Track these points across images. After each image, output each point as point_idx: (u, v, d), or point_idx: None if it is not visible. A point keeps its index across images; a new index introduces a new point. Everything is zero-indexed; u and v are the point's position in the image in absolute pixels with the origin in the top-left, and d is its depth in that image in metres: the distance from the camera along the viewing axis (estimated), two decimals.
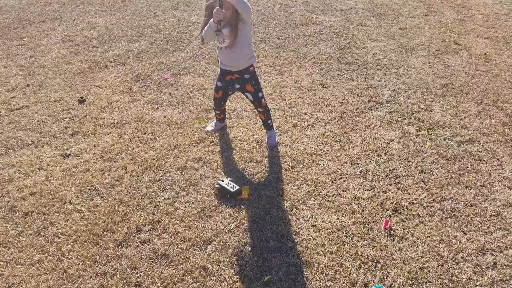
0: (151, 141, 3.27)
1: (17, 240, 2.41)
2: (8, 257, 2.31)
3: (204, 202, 2.69)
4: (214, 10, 2.53)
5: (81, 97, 3.81)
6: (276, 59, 4.60)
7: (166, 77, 4.21)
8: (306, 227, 2.51)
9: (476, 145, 3.23)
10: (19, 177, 2.89)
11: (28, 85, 4.04)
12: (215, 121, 3.38)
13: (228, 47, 2.73)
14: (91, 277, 2.19)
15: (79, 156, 3.10)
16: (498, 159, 3.08)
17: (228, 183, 2.72)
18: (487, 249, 2.39)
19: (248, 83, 2.94)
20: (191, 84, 4.10)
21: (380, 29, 5.42)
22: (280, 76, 4.23)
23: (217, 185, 2.75)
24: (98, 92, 3.93)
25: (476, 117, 3.57)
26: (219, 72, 3.01)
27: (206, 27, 2.70)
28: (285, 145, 3.22)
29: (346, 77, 4.23)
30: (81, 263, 2.27)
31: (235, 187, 2.69)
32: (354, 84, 4.09)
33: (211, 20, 2.61)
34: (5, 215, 2.58)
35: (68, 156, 3.09)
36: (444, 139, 3.29)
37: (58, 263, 2.27)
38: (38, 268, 2.25)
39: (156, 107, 3.72)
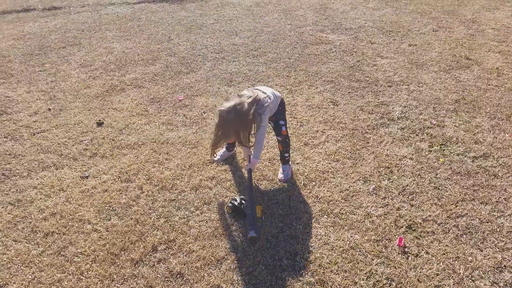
0: (166, 161, 3.34)
1: (38, 260, 2.49)
2: (30, 276, 2.38)
3: (218, 221, 2.73)
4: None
5: (99, 120, 3.94)
6: (287, 79, 4.68)
7: (180, 99, 4.32)
8: (320, 245, 2.53)
9: (491, 160, 3.21)
10: (41, 199, 2.98)
11: (49, 109, 4.19)
12: (223, 149, 3.37)
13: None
14: None
15: (97, 177, 3.19)
16: None
17: (241, 202, 2.76)
18: (505, 266, 2.36)
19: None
20: (204, 105, 4.19)
21: (390, 46, 5.48)
22: (291, 95, 4.30)
23: (230, 205, 2.79)
24: (116, 115, 4.05)
25: (490, 131, 3.56)
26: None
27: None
28: (297, 163, 3.26)
29: (357, 95, 4.27)
30: (99, 282, 2.33)
31: (246, 205, 2.73)
32: (365, 101, 4.13)
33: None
34: (27, 236, 2.67)
35: (87, 177, 3.19)
36: (458, 155, 3.29)
37: (77, 282, 2.33)
38: (58, 287, 2.31)
39: (171, 128, 3.81)
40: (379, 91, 4.33)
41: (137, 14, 7.44)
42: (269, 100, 2.79)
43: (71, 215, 2.82)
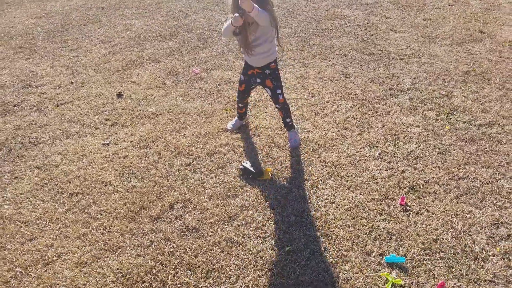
0: (183, 129, 3.52)
1: (64, 217, 2.72)
2: (56, 231, 2.61)
3: (231, 183, 2.91)
4: (234, 16, 2.62)
5: (119, 92, 4.13)
6: (301, 52, 4.77)
7: (196, 72, 4.48)
8: (325, 204, 2.68)
9: (496, 128, 3.28)
10: (65, 163, 3.21)
11: (72, 83, 4.41)
12: (235, 118, 3.53)
13: (247, 48, 2.84)
14: (129, 248, 2.46)
15: (117, 144, 3.39)
16: None
17: (251, 165, 2.93)
18: (501, 222, 2.48)
19: (268, 79, 3.02)
20: (219, 78, 4.34)
21: (404, 21, 5.48)
22: (304, 68, 4.41)
23: (241, 167, 2.96)
24: (135, 87, 4.24)
25: (497, 101, 3.62)
26: (243, 66, 3.19)
27: (225, 25, 2.78)
28: (307, 131, 3.39)
29: (369, 67, 4.35)
30: (120, 236, 2.54)
31: (258, 168, 2.90)
32: (376, 74, 4.20)
33: (230, 20, 2.70)
34: (53, 196, 2.90)
35: (108, 144, 3.40)
36: (464, 123, 3.37)
37: (100, 236, 2.55)
38: (83, 240, 2.54)
39: (187, 99, 3.98)
40: (391, 63, 4.39)
41: None
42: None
43: (93, 177, 3.04)
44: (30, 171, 3.14)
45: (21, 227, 2.64)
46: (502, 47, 4.57)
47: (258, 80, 3.10)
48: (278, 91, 3.06)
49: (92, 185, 2.96)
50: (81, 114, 3.85)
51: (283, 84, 3.10)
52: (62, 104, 4.03)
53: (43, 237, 2.56)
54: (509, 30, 4.97)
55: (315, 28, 5.48)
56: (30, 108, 3.98)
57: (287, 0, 6.63)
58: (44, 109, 3.96)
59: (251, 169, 2.90)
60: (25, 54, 5.23)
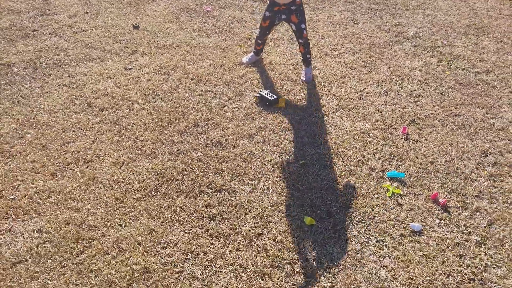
0: (200, 61, 3.72)
1: (98, 126, 2.96)
2: (92, 137, 2.86)
3: (249, 108, 3.17)
4: None
5: (135, 24, 4.27)
6: None
7: (209, 10, 4.61)
8: (335, 130, 2.98)
9: (491, 75, 3.58)
10: (92, 83, 3.41)
11: (87, 13, 4.50)
12: (251, 53, 3.73)
13: None
14: (161, 154, 2.73)
15: (139, 69, 3.59)
16: (510, 87, 3.45)
17: (268, 93, 3.18)
18: (490, 152, 2.82)
19: (293, 14, 3.19)
20: (231, 16, 4.49)
21: None
22: (314, 12, 4.58)
23: (257, 95, 3.21)
24: (150, 20, 4.38)
25: (495, 53, 3.90)
26: (268, 3, 3.29)
27: None
28: (318, 69, 3.64)
29: (376, 15, 4.55)
30: (152, 144, 2.80)
31: (274, 96, 3.16)
32: (383, 21, 4.42)
33: None
34: (85, 109, 3.12)
35: (130, 69, 3.59)
36: (463, 70, 3.66)
37: (133, 143, 2.81)
38: (118, 145, 2.80)
39: (201, 34, 4.15)
40: (397, 13, 4.60)
41: None
42: None
43: (120, 96, 3.26)
44: (59, 88, 3.33)
45: (58, 132, 2.87)
46: (502, 4, 4.81)
47: (284, 16, 3.23)
48: (303, 25, 3.24)
49: (120, 102, 3.19)
50: (100, 41, 3.99)
51: None
52: (80, 32, 4.15)
53: (80, 141, 2.81)
54: None
55: None
56: (49, 34, 4.10)
57: None
58: (63, 35, 4.08)
59: (268, 97, 3.16)
60: None
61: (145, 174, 2.57)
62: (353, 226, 2.32)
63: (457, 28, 4.30)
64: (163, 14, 4.53)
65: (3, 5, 4.60)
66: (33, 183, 2.50)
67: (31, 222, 2.28)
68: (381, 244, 2.24)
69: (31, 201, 2.39)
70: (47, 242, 2.18)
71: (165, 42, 3.99)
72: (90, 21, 4.35)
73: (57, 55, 3.77)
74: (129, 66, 3.62)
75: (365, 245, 2.23)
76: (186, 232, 2.27)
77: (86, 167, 2.61)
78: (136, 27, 4.25)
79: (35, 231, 2.23)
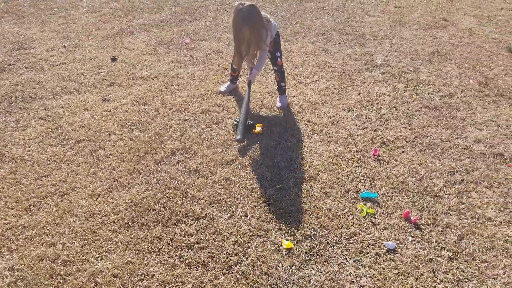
0: (178, 91, 3.81)
1: (73, 159, 2.97)
2: (68, 170, 2.86)
3: (226, 135, 3.24)
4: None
5: (113, 56, 4.35)
6: (284, 29, 5.13)
7: (186, 42, 4.74)
8: (310, 154, 3.07)
9: (455, 99, 3.78)
10: (68, 115, 3.43)
11: (65, 46, 4.57)
12: (228, 82, 3.86)
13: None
14: (137, 184, 2.75)
15: (117, 101, 3.64)
16: (472, 109, 3.64)
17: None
18: (457, 170, 2.95)
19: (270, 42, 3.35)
20: (209, 48, 4.63)
21: (377, 7, 5.95)
22: (288, 43, 4.77)
23: (234, 122, 3.29)
24: (128, 53, 4.47)
25: (457, 77, 4.12)
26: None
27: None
28: (293, 96, 3.77)
29: (346, 45, 4.76)
30: (128, 175, 2.83)
31: (250, 123, 3.25)
32: (353, 51, 4.63)
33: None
34: (61, 142, 3.14)
35: (107, 100, 3.64)
36: (428, 94, 3.84)
37: (110, 174, 2.83)
38: (94, 177, 2.81)
39: (179, 65, 4.26)
40: (365, 43, 4.83)
41: None
42: (272, 21, 3.31)
43: (97, 127, 3.29)
44: (35, 121, 3.34)
45: (33, 166, 2.87)
46: (462, 33, 5.11)
47: None
48: (278, 53, 3.41)
49: (97, 133, 3.21)
50: (77, 74, 4.04)
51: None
52: (57, 65, 4.20)
53: (55, 174, 2.81)
54: (469, 19, 5.53)
55: (296, 9, 5.85)
56: (25, 68, 4.14)
57: None
58: (40, 69, 4.12)
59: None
60: (12, 19, 5.30)
61: (122, 205, 2.58)
62: (330, 248, 2.37)
63: (421, 56, 4.53)
64: (141, 46, 4.63)
65: None
66: (5, 219, 2.48)
67: (3, 260, 2.25)
68: (357, 264, 2.29)
69: (3, 238, 2.37)
70: (19, 280, 2.15)
71: (143, 74, 4.07)
72: (68, 55, 4.41)
73: (34, 88, 3.80)
74: (107, 98, 3.66)
75: (342, 265, 2.28)
76: (163, 263, 2.27)
77: (61, 201, 2.61)
78: (114, 59, 4.33)
79: (7, 269, 2.20)
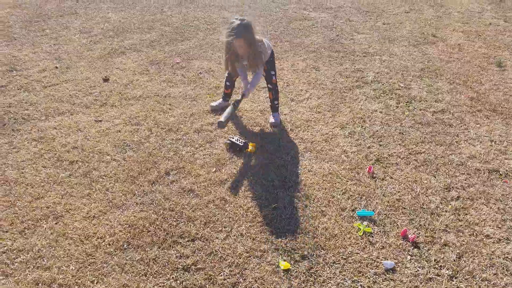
0: (170, 110, 3.80)
1: (67, 180, 2.93)
2: (62, 192, 2.82)
3: (219, 155, 3.23)
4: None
5: (105, 77, 4.34)
6: (274, 47, 5.15)
7: (177, 61, 4.76)
8: (304, 172, 3.06)
9: (447, 114, 3.82)
10: (61, 136, 3.40)
11: (57, 67, 4.55)
12: (220, 100, 3.87)
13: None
14: (132, 205, 2.72)
15: (109, 121, 3.62)
16: (465, 125, 3.67)
17: (238, 139, 3.27)
18: (452, 187, 2.96)
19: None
20: (200, 67, 4.65)
21: (366, 24, 6.04)
22: (278, 62, 4.80)
23: (228, 141, 3.29)
24: (119, 73, 4.46)
25: (448, 93, 4.17)
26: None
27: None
28: (285, 114, 3.78)
29: (336, 62, 4.81)
30: (123, 196, 2.79)
31: (243, 142, 3.24)
32: (343, 68, 4.68)
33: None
34: (54, 163, 3.10)
35: (100, 121, 3.61)
36: (420, 110, 3.88)
37: (104, 196, 2.79)
38: (88, 199, 2.77)
39: (171, 85, 4.26)
40: (356, 60, 4.89)
41: None
42: (266, 42, 3.35)
43: (90, 148, 3.26)
44: (28, 143, 3.30)
45: (27, 188, 2.82)
46: (452, 49, 5.20)
47: None
48: (272, 72, 3.45)
49: (90, 154, 3.18)
50: (70, 95, 4.02)
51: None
52: (49, 86, 4.18)
53: (49, 196, 2.76)
54: (458, 35, 5.64)
55: (286, 27, 5.92)
56: (18, 89, 4.10)
57: (258, 1, 7.04)
58: (33, 90, 4.09)
59: (238, 142, 3.24)
60: (3, 41, 5.28)
61: (117, 227, 2.54)
62: (328, 268, 2.35)
63: (412, 72, 4.59)
64: (133, 66, 4.64)
65: None
66: (0, 243, 2.42)
67: None
68: (356, 285, 2.27)
69: None
70: None
71: (135, 94, 4.06)
72: (60, 76, 4.40)
73: (26, 110, 3.76)
74: (99, 118, 3.64)
75: (341, 286, 2.26)
76: (160, 286, 2.23)
77: (56, 223, 2.56)
78: (106, 80, 4.32)
79: None
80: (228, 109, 3.28)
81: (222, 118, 3.20)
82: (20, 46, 5.11)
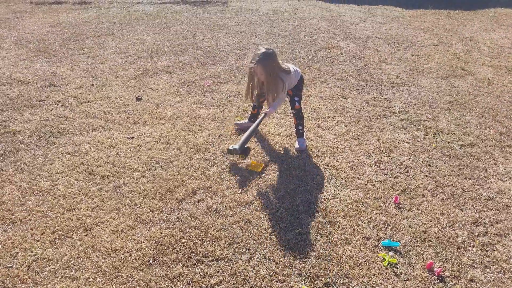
0: (199, 131, 3.90)
1: (98, 194, 3.02)
2: (92, 205, 2.91)
3: (246, 176, 3.27)
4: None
5: (138, 96, 4.50)
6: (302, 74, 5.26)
7: (208, 84, 4.89)
8: (329, 199, 3.07)
9: (476, 148, 3.78)
10: (94, 151, 3.52)
11: (92, 85, 4.75)
12: (247, 120, 3.96)
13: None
14: (159, 222, 2.78)
15: (141, 139, 3.73)
16: (494, 159, 3.63)
17: (240, 146, 3.28)
18: (480, 222, 2.91)
19: (290, 89, 3.53)
20: (229, 90, 4.76)
21: (394, 55, 6.09)
22: (306, 88, 4.87)
23: (230, 147, 3.31)
24: (152, 93, 4.62)
25: (477, 127, 4.14)
26: None
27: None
28: (311, 140, 3.82)
29: (363, 91, 4.86)
30: (150, 212, 2.86)
31: (243, 149, 3.31)
32: (371, 97, 4.71)
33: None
34: (86, 177, 3.21)
35: (132, 138, 3.73)
36: (448, 142, 3.86)
37: (132, 211, 2.87)
38: (117, 213, 2.85)
39: (201, 106, 4.38)
40: (383, 89, 4.92)
41: (163, 13, 8.07)
42: (291, 71, 3.42)
43: (122, 164, 3.36)
44: (62, 155, 3.44)
45: (59, 199, 2.93)
46: (481, 83, 5.18)
47: None
48: (296, 98, 3.51)
49: (121, 170, 3.28)
50: (104, 112, 4.18)
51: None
52: (85, 102, 4.36)
53: (80, 208, 2.86)
54: (487, 69, 5.61)
55: (314, 55, 6.02)
56: (55, 104, 4.30)
57: (288, 30, 7.21)
58: (69, 105, 4.28)
59: (236, 147, 3.27)
60: (44, 58, 5.56)
61: (143, 242, 2.59)
62: None
63: (440, 104, 4.59)
64: (165, 87, 4.79)
65: (13, 76, 4.85)
66: (31, 251, 2.51)
67: None
68: None
69: (29, 270, 2.39)
70: None
71: (166, 113, 4.19)
72: (95, 93, 4.58)
73: (62, 124, 3.93)
74: (131, 136, 3.76)
75: None
76: None
77: (85, 235, 2.64)
78: (139, 99, 4.47)
79: None
80: (246, 135, 3.36)
81: (236, 145, 3.29)
82: (59, 63, 5.36)
